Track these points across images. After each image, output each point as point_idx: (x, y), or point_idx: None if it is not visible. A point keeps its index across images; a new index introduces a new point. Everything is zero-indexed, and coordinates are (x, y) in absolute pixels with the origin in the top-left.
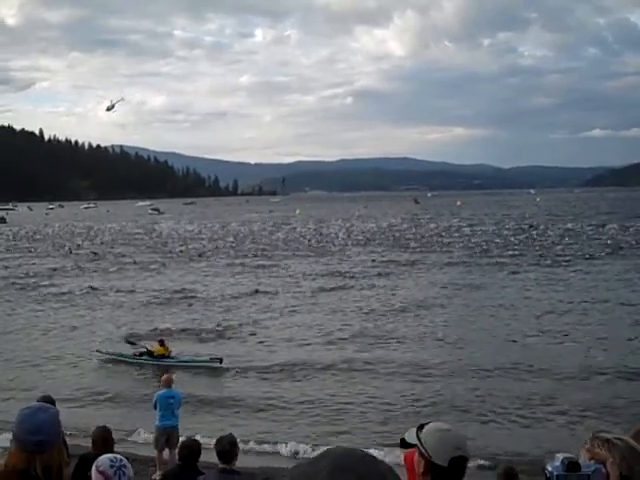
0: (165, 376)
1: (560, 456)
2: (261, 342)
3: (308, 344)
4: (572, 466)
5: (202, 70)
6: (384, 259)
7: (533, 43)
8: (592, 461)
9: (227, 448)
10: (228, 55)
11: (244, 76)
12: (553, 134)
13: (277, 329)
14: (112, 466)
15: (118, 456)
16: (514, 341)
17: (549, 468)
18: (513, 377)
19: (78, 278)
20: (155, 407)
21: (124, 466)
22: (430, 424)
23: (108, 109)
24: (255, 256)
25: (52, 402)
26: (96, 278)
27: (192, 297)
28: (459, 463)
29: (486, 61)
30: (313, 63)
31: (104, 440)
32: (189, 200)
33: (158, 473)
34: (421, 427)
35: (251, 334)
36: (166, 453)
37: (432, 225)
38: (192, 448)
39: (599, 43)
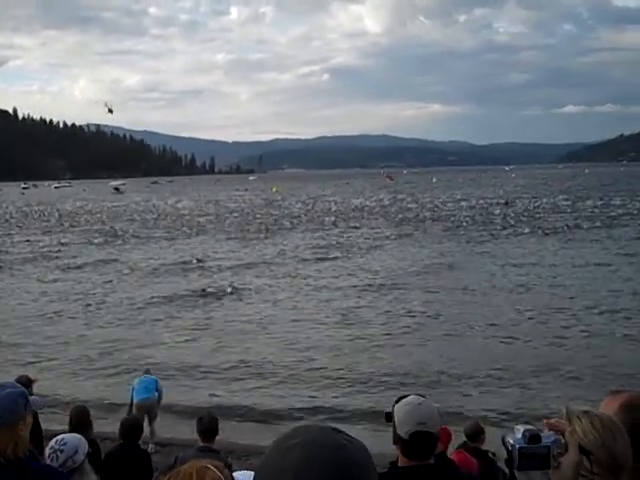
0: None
1: (520, 428)
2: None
3: (298, 320)
4: (533, 438)
5: (177, 48)
6: (372, 234)
7: (509, 19)
8: (551, 432)
9: (210, 425)
10: (203, 33)
11: (220, 54)
12: (527, 111)
13: (257, 297)
14: (51, 447)
15: (67, 439)
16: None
17: (510, 441)
18: (501, 345)
19: (87, 251)
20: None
21: (60, 450)
22: (406, 397)
23: (110, 111)
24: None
25: (27, 383)
26: (100, 252)
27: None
28: (421, 437)
29: (462, 37)
30: (289, 41)
31: (78, 421)
32: (154, 179)
33: (151, 446)
34: (399, 400)
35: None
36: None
37: (412, 201)
38: (133, 424)
39: (574, 19)
